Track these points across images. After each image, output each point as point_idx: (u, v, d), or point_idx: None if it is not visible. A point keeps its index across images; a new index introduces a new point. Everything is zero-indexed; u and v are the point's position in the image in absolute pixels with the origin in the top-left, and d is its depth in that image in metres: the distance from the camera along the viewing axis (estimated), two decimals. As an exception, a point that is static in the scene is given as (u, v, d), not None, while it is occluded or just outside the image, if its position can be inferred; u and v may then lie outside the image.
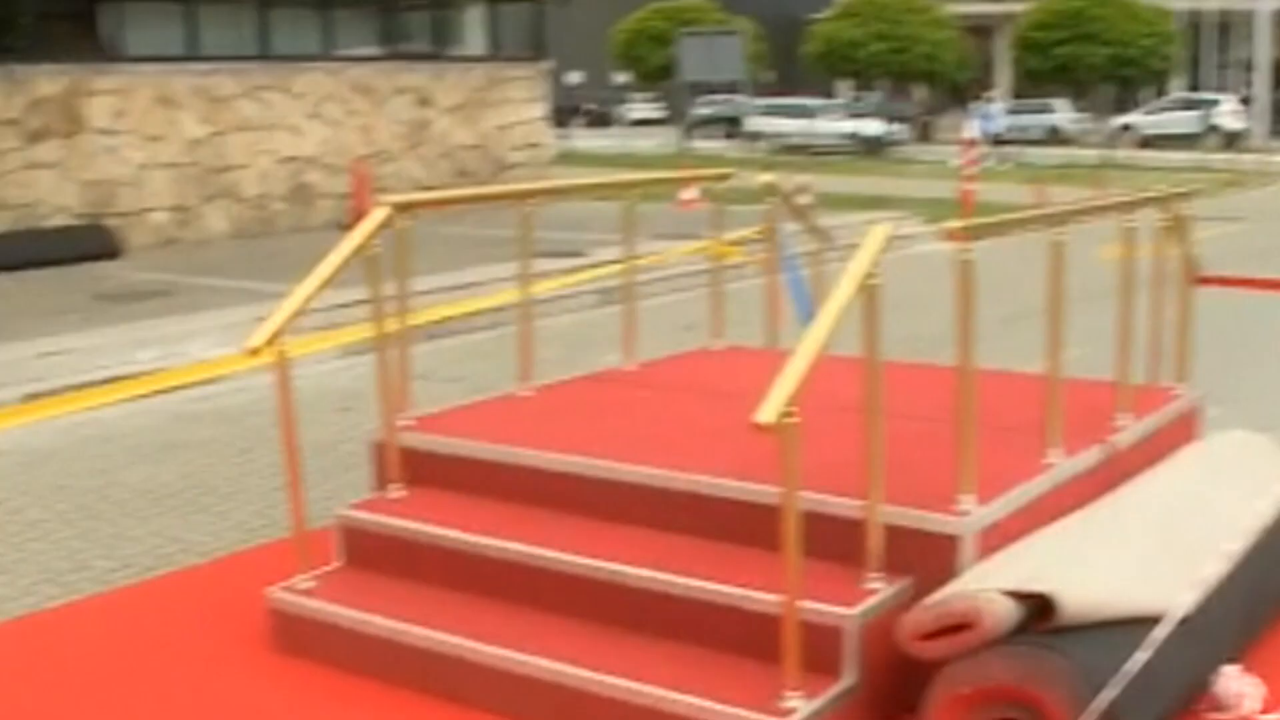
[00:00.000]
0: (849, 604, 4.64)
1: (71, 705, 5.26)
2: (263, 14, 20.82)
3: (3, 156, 17.50)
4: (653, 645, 4.93)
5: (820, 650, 4.54)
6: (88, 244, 17.81)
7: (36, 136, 17.83)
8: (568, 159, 36.81)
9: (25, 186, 17.70)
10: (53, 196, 17.98)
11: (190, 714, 5.14)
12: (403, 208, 5.90)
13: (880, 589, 4.75)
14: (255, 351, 5.30)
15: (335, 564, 5.81)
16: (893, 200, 25.23)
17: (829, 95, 59.06)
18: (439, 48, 24.12)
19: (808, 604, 4.49)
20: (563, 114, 51.99)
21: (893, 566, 4.80)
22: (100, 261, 17.42)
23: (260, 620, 5.64)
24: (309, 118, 21.10)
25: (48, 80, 17.95)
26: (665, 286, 14.80)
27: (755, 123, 51.01)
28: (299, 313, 5.42)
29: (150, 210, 19.04)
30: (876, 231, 4.75)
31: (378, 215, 5.77)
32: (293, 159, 20.87)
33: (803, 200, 9.99)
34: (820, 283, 8.04)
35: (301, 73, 21.02)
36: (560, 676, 4.81)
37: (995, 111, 43.73)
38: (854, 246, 4.72)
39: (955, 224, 4.85)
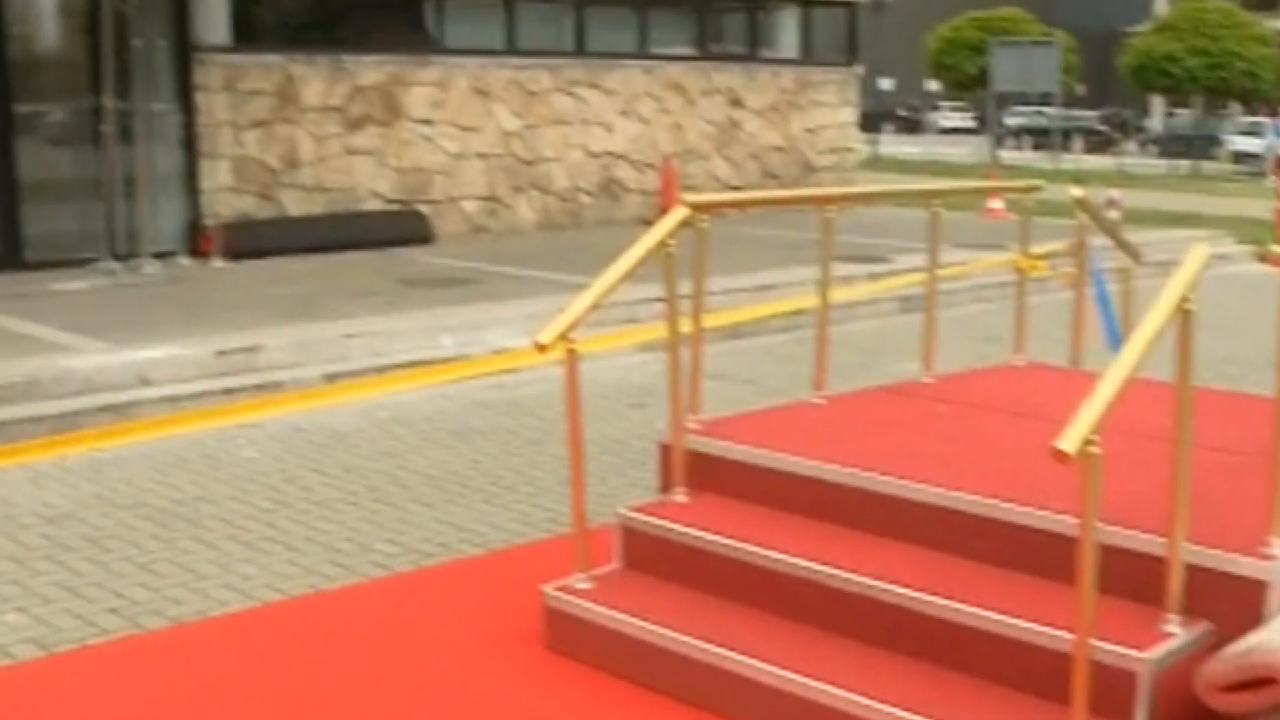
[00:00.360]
0: (1143, 647, 4.38)
1: (341, 687, 5.30)
2: (579, 11, 21.04)
3: (324, 142, 17.98)
4: (930, 672, 4.73)
5: (1109, 694, 4.29)
6: (403, 229, 18.27)
7: (356, 124, 18.30)
8: (874, 165, 36.53)
9: (343, 172, 18.18)
10: (368, 182, 18.43)
11: (456, 705, 5.13)
12: (701, 208, 5.82)
13: (1178, 633, 4.47)
14: (543, 348, 5.26)
15: (612, 565, 5.75)
16: (1203, 218, 24.40)
17: (1144, 110, 57.39)
18: (751, 49, 24.07)
19: (1099, 643, 4.24)
20: (873, 119, 51.64)
21: (1191, 609, 4.51)
22: (411, 247, 17.81)
23: (534, 616, 5.60)
24: (621, 114, 21.26)
25: (371, 70, 18.42)
26: (968, 296, 14.54)
27: (1237, 141, 47.11)
28: (590, 310, 5.37)
29: (461, 199, 19.41)
30: (1196, 252, 4.49)
31: (676, 215, 5.70)
32: (603, 154, 21.06)
33: (1111, 215, 9.67)
34: (1128, 300, 7.76)
35: (615, 70, 21.19)
36: (835, 700, 4.64)
37: (1273, 129, 41.53)
38: (1163, 264, 4.47)
39: (1278, 249, 4.55)
